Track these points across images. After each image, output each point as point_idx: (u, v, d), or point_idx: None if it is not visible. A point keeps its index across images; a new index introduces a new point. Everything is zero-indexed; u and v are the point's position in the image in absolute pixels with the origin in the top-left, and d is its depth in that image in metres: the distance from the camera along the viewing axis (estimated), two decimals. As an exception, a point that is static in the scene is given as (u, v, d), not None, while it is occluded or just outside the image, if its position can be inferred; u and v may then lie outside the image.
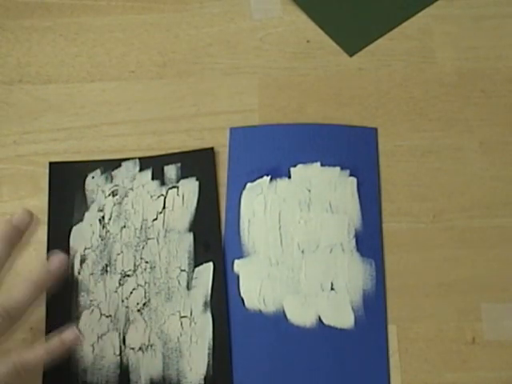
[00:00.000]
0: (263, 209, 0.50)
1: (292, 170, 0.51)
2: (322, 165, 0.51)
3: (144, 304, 0.48)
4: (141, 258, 0.49)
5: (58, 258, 0.44)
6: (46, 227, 0.51)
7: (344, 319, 0.47)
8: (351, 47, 0.57)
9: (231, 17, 0.59)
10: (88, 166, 0.53)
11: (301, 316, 0.47)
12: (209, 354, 0.46)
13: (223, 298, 0.48)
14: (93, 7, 0.60)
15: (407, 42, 0.57)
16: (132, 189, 0.52)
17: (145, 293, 0.48)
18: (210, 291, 0.48)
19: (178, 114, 0.55)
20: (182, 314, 0.47)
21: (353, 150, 0.52)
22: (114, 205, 0.51)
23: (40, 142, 0.54)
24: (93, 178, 0.52)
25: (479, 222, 0.50)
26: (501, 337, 0.46)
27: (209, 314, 0.47)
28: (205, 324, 0.47)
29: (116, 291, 0.49)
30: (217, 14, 0.59)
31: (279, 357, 0.46)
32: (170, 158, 0.52)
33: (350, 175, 0.51)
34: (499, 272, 0.48)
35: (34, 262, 0.50)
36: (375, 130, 0.53)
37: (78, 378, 0.46)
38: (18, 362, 0.40)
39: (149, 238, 0.50)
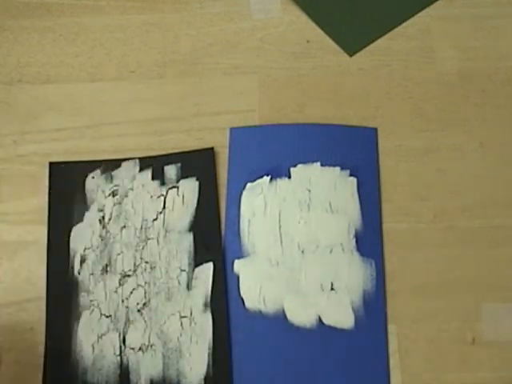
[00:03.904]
0: (263, 209, 0.50)
1: (292, 169, 0.51)
2: (322, 165, 0.51)
3: (144, 304, 0.48)
4: (141, 258, 0.49)
5: None
6: (46, 227, 0.51)
7: (344, 319, 0.47)
8: (351, 47, 0.57)
9: (231, 17, 0.59)
10: (88, 166, 0.53)
11: (301, 316, 0.47)
12: (209, 354, 0.46)
13: (223, 298, 0.48)
14: (93, 7, 0.60)
15: (407, 42, 0.57)
16: (132, 189, 0.52)
17: (145, 293, 0.48)
18: (210, 291, 0.48)
19: (178, 114, 0.55)
20: (182, 314, 0.47)
21: (353, 149, 0.52)
22: (114, 205, 0.51)
23: (40, 141, 0.54)
24: (93, 178, 0.52)
25: (479, 222, 0.50)
26: (501, 337, 0.46)
27: (209, 314, 0.47)
28: (205, 324, 0.47)
29: (116, 291, 0.49)
30: (217, 14, 0.59)
31: (279, 357, 0.46)
32: (169, 158, 0.52)
33: (350, 175, 0.51)
34: (499, 272, 0.48)
35: (33, 261, 0.50)
36: (375, 130, 0.53)
37: (78, 378, 0.46)
38: None
39: (149, 238, 0.50)
